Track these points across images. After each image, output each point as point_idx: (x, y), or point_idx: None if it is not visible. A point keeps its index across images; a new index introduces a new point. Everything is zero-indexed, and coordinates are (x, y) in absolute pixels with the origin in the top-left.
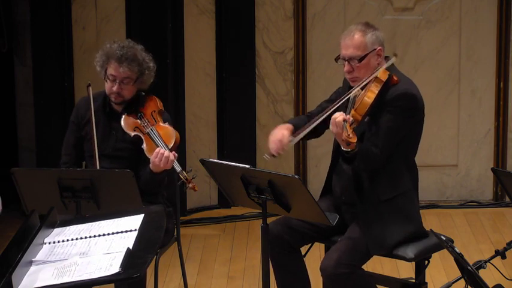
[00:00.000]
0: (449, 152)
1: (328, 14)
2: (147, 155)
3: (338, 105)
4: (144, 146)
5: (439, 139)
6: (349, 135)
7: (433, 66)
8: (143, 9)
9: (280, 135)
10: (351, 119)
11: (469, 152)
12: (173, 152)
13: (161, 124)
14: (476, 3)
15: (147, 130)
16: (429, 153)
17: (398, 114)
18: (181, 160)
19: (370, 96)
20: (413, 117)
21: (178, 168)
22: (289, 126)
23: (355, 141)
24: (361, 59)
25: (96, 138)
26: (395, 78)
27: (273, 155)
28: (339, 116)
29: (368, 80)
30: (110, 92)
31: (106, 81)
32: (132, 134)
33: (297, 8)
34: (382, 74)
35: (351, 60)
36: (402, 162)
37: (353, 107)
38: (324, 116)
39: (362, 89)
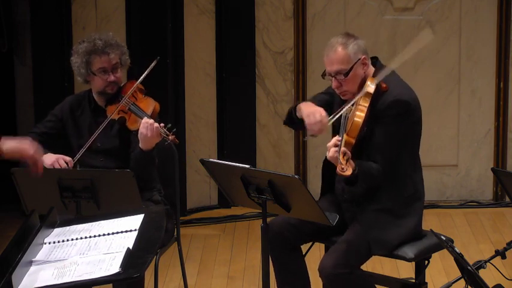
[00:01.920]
0: (449, 152)
1: (328, 14)
2: (131, 129)
3: (334, 118)
4: (128, 122)
5: (439, 139)
6: (343, 168)
7: (433, 66)
8: (143, 9)
9: (318, 115)
10: (343, 149)
11: (469, 152)
12: (161, 124)
13: (141, 98)
14: (476, 3)
15: (129, 106)
16: (429, 153)
17: (391, 124)
18: (182, 160)
19: (359, 116)
20: (407, 120)
21: (162, 131)
22: (310, 102)
23: (349, 173)
24: (347, 73)
25: (84, 135)
26: (383, 85)
27: (315, 136)
28: (333, 145)
29: (359, 97)
30: (106, 84)
31: (93, 78)
32: (117, 117)
33: (297, 8)
34: (369, 85)
35: (337, 76)
36: (407, 165)
37: (345, 131)
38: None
39: (352, 104)
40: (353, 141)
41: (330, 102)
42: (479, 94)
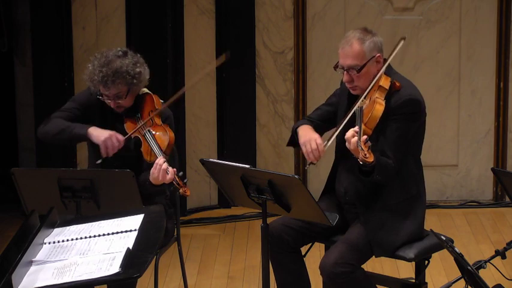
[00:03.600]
0: (449, 152)
1: (328, 14)
2: (144, 157)
3: (349, 116)
4: (141, 148)
5: (439, 139)
6: (365, 155)
7: (433, 66)
8: (143, 9)
9: (314, 143)
10: (364, 137)
11: (469, 152)
12: (172, 169)
13: (157, 125)
14: (476, 3)
15: (144, 132)
16: (429, 153)
17: (404, 121)
18: (182, 160)
19: (379, 109)
20: (418, 120)
21: (175, 180)
22: (310, 126)
23: (371, 160)
24: (360, 69)
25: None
26: (397, 84)
27: (314, 163)
28: (352, 137)
29: (370, 89)
30: (109, 105)
31: (101, 96)
32: (133, 136)
33: (297, 8)
34: (384, 81)
35: (349, 70)
36: (412, 165)
37: (362, 121)
38: (342, 125)
39: (365, 97)
40: (370, 132)
41: (333, 111)
42: (479, 94)
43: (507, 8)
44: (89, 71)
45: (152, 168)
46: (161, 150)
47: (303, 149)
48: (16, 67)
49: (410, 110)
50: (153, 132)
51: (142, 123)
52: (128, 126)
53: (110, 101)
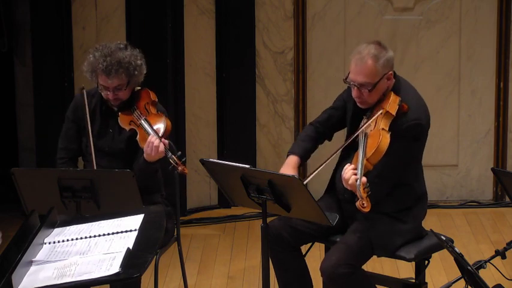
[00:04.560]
0: (449, 152)
1: (328, 14)
2: (140, 145)
3: (348, 141)
4: (138, 137)
5: (439, 139)
6: (363, 204)
7: (433, 66)
8: (143, 9)
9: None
10: (364, 180)
11: (469, 152)
12: (163, 140)
13: (153, 114)
14: (476, 3)
15: (140, 121)
16: (429, 153)
17: (407, 144)
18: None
19: (385, 142)
20: (421, 141)
21: (168, 153)
22: (295, 160)
23: (368, 210)
24: (372, 89)
25: (93, 136)
26: (405, 107)
27: None
28: (351, 177)
29: (379, 115)
30: (106, 98)
31: (99, 89)
32: (128, 128)
33: (297, 8)
34: (392, 105)
35: (361, 87)
36: (411, 176)
37: (365, 154)
38: (333, 156)
39: (371, 113)
40: (371, 167)
41: (340, 115)
42: (479, 94)
43: (507, 8)
44: (90, 61)
45: (145, 147)
46: (157, 134)
47: None
48: (16, 67)
49: (414, 134)
50: (149, 120)
51: (138, 112)
52: (123, 118)
53: (108, 93)
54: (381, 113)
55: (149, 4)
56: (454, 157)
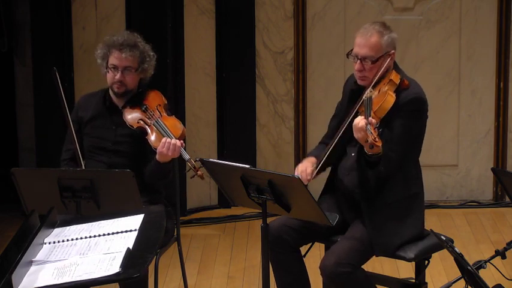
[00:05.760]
0: (449, 152)
1: (328, 14)
2: (153, 146)
3: (349, 120)
4: (150, 137)
5: (439, 139)
6: (375, 138)
7: (433, 66)
8: (143, 9)
9: (304, 167)
10: (374, 120)
11: (469, 152)
12: (180, 141)
13: (167, 116)
14: (476, 3)
15: (152, 122)
16: (429, 153)
17: (408, 118)
18: (182, 160)
19: (390, 100)
20: (422, 118)
21: (186, 156)
22: (312, 159)
23: (381, 144)
24: (375, 61)
25: (95, 133)
26: (406, 82)
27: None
28: (360, 121)
29: (378, 79)
30: (112, 81)
31: (107, 72)
32: (135, 126)
33: (297, 8)
34: (395, 77)
35: (363, 60)
36: (412, 164)
37: (371, 109)
38: (337, 139)
39: (373, 88)
40: (378, 121)
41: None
42: (479, 94)
43: (507, 8)
44: (105, 41)
45: (159, 147)
46: (174, 136)
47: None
48: (16, 67)
49: (416, 107)
50: (164, 122)
51: (151, 112)
52: (132, 114)
53: (116, 73)
54: (383, 82)
55: (149, 4)
56: (454, 157)
